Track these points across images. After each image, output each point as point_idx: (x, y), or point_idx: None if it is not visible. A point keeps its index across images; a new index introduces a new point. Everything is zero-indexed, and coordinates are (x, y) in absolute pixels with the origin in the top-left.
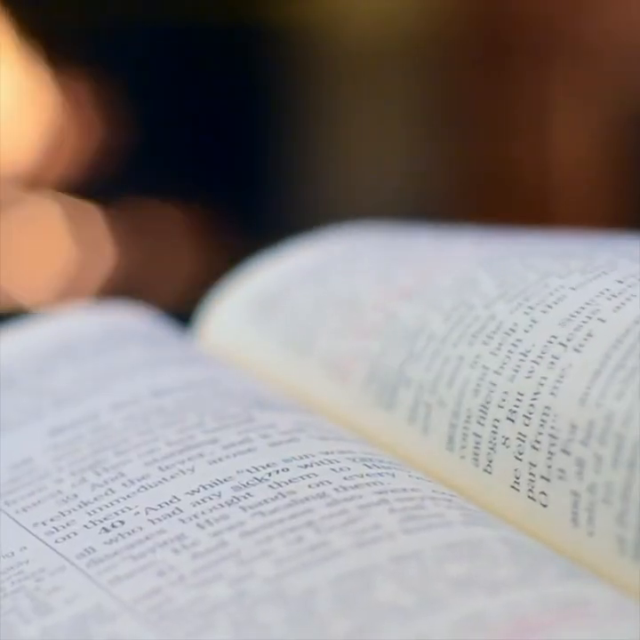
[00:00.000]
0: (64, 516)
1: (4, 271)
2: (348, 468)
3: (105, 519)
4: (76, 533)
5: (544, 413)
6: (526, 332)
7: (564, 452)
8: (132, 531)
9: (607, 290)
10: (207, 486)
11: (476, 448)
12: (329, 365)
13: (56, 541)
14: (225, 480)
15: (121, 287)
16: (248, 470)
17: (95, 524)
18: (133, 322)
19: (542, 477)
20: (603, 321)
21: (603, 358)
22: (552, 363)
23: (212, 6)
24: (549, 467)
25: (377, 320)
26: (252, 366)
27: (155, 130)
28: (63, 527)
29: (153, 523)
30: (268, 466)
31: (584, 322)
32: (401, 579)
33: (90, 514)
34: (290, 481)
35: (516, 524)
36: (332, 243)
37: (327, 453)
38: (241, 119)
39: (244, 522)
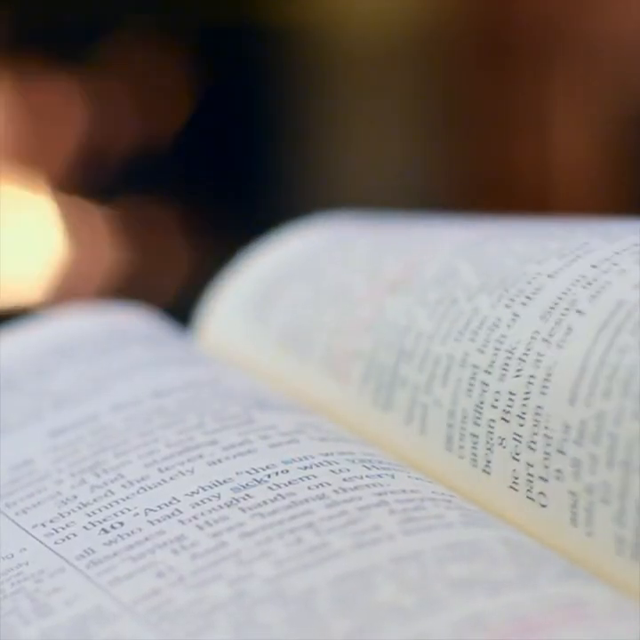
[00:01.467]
0: (63, 517)
1: (3, 271)
2: (348, 470)
3: (104, 520)
4: (75, 535)
5: (537, 413)
6: (509, 327)
7: (560, 452)
8: (132, 532)
9: (582, 277)
10: (207, 488)
11: (474, 448)
12: (328, 364)
13: (56, 543)
14: (224, 481)
15: (120, 287)
16: (248, 472)
17: (95, 526)
18: (133, 322)
19: (540, 478)
20: (581, 313)
21: (585, 355)
22: (538, 360)
23: (212, 6)
24: (546, 467)
25: (367, 316)
26: (251, 366)
27: (154, 129)
28: (63, 528)
29: (152, 524)
30: (267, 467)
31: (563, 314)
32: (401, 579)
33: (89, 515)
34: (289, 482)
35: (515, 524)
36: (320, 232)
37: (327, 455)
38: (241, 119)
39: (244, 523)
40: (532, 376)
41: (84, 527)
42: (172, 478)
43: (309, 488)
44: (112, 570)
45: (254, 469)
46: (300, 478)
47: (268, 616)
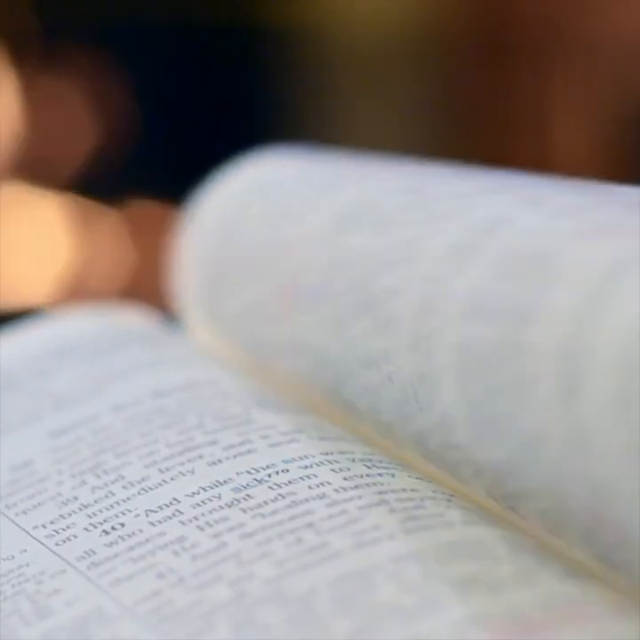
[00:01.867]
0: (64, 518)
1: (5, 271)
2: (348, 469)
3: (105, 521)
4: (76, 536)
5: (459, 448)
6: (388, 362)
7: (502, 481)
8: (133, 533)
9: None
10: (207, 488)
11: (443, 464)
12: (291, 380)
13: (56, 544)
14: (225, 482)
15: (122, 287)
16: (248, 472)
17: (95, 527)
18: (134, 323)
19: (502, 497)
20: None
21: (456, 399)
22: (430, 404)
23: (212, 6)
24: (501, 491)
25: (289, 337)
26: (239, 364)
27: (155, 130)
28: (63, 530)
29: (153, 525)
30: (267, 467)
31: (426, 345)
32: (401, 579)
33: (90, 516)
34: (290, 482)
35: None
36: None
37: (327, 454)
38: (241, 119)
39: (244, 523)
40: (432, 419)
41: (85, 528)
42: (172, 479)
43: (310, 487)
44: (113, 571)
45: (254, 469)
46: (301, 478)
47: (269, 616)
